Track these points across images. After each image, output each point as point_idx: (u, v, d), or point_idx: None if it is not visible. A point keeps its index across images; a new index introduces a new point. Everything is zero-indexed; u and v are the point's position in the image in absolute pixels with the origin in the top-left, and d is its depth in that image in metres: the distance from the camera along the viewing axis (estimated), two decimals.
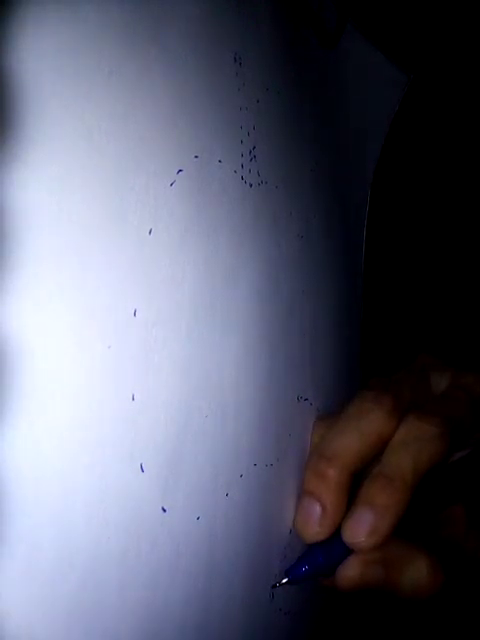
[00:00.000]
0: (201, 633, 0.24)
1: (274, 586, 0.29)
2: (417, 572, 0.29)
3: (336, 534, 0.29)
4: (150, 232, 0.21)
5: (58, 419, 0.18)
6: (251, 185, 0.27)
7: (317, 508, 0.29)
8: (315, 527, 0.29)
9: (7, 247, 0.17)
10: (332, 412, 0.33)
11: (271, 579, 0.29)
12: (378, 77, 0.41)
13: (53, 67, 0.18)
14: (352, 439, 0.30)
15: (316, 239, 0.34)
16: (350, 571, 0.29)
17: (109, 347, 0.19)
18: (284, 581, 0.29)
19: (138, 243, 0.21)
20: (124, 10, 0.21)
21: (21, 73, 0.17)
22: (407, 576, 0.29)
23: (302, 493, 0.30)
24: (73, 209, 0.18)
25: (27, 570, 0.17)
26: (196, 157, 0.24)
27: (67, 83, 0.18)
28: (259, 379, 0.28)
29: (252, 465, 0.27)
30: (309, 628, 0.35)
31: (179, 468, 0.23)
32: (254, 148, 0.28)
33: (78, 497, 0.18)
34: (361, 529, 0.28)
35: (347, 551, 0.29)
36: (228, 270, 0.26)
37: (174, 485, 0.22)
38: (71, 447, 0.18)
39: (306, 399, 0.32)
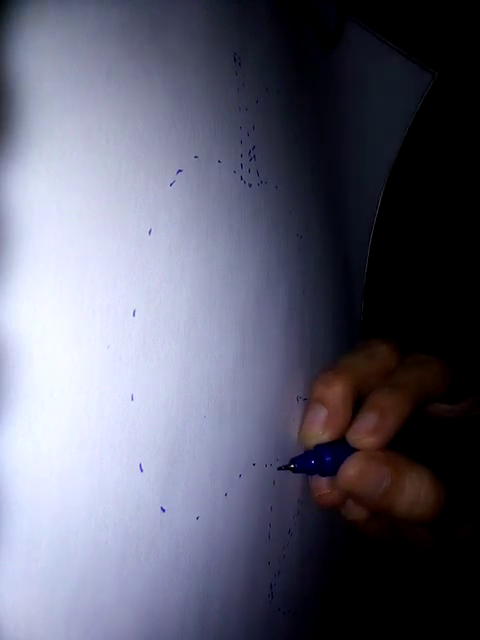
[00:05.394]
0: (201, 633, 0.24)
1: (280, 468, 0.29)
2: (419, 479, 0.28)
3: (343, 441, 0.29)
4: (149, 232, 0.21)
5: (58, 419, 0.18)
6: (250, 185, 0.27)
7: (322, 412, 0.30)
8: (319, 429, 0.30)
9: (7, 247, 0.17)
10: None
11: (271, 579, 0.29)
12: (394, 76, 0.40)
13: (53, 67, 0.18)
14: (360, 360, 0.31)
15: (315, 239, 0.34)
16: (353, 465, 0.29)
17: (108, 347, 0.19)
18: (291, 467, 0.29)
19: (137, 243, 0.21)
20: (123, 10, 0.21)
21: (21, 73, 0.17)
22: (409, 483, 0.28)
23: (308, 402, 0.31)
24: (73, 209, 0.18)
25: (27, 570, 0.17)
26: (195, 157, 0.24)
27: (67, 83, 0.18)
28: (258, 379, 0.28)
29: (251, 465, 0.27)
30: (309, 628, 0.35)
31: (178, 468, 0.23)
32: (254, 148, 0.28)
33: (77, 497, 0.19)
34: (364, 427, 0.29)
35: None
36: (227, 270, 0.26)
37: (173, 485, 0.22)
38: (71, 447, 0.18)
39: (305, 399, 0.32)
